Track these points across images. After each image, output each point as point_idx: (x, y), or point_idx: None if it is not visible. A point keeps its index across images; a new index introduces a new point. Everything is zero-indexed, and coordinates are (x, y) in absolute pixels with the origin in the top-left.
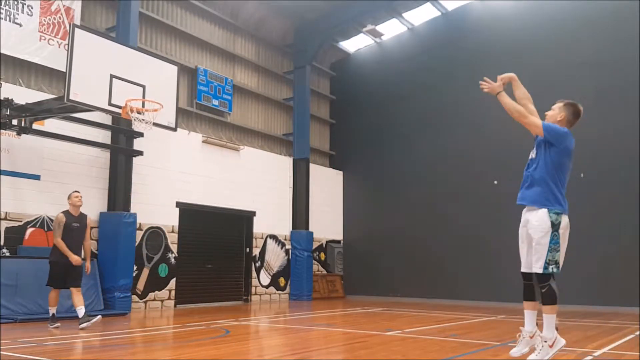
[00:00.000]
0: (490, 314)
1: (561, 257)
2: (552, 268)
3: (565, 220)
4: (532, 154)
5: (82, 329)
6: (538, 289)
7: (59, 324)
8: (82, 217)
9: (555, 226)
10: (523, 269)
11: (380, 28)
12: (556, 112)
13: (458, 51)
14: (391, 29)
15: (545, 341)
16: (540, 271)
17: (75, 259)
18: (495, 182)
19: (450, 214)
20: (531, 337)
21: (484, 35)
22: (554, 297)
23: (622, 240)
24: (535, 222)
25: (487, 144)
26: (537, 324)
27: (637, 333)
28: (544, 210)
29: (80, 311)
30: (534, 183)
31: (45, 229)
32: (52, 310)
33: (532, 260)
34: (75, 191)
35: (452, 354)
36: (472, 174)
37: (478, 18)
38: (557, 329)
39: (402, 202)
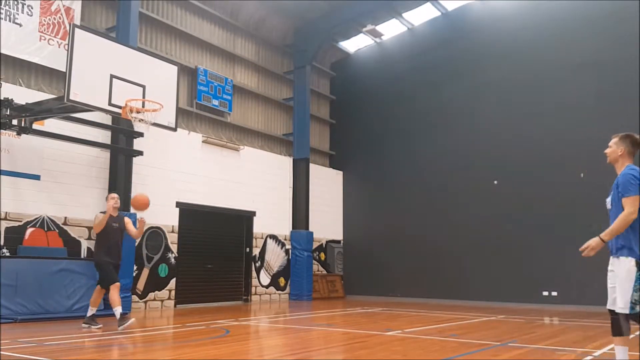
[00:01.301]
0: (490, 314)
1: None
2: (638, 308)
3: None
4: (610, 204)
5: (121, 330)
6: (625, 323)
7: (101, 325)
8: (121, 218)
9: None
10: (608, 306)
11: (380, 28)
12: (614, 148)
13: (458, 51)
14: (391, 29)
15: None
16: (627, 311)
17: (106, 211)
18: (495, 182)
19: (450, 213)
20: None
21: (484, 35)
22: (621, 329)
23: None
24: (620, 266)
25: (487, 143)
26: None
27: (637, 333)
28: (630, 259)
29: (118, 311)
30: (623, 237)
31: (45, 229)
32: (94, 310)
33: (617, 299)
34: (113, 193)
35: (452, 354)
36: (472, 174)
37: (478, 18)
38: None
39: (402, 202)
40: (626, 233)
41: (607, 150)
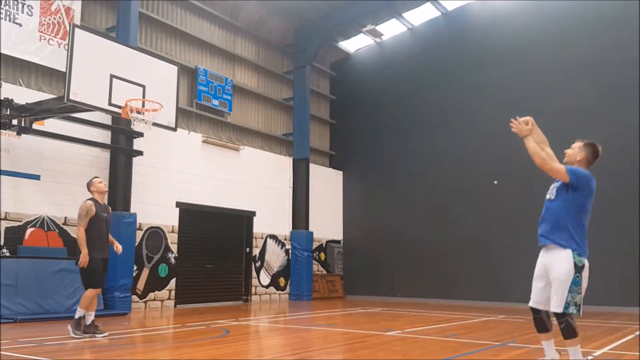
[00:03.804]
0: (490, 314)
1: (581, 299)
2: (572, 309)
3: (586, 263)
4: (551, 195)
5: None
6: (548, 320)
7: (107, 333)
8: (108, 207)
9: (578, 268)
10: (532, 304)
11: (380, 28)
12: (576, 151)
13: (458, 51)
14: (391, 29)
15: None
16: (560, 311)
17: (84, 259)
18: (495, 182)
19: (450, 214)
20: None
21: (484, 35)
22: (573, 331)
23: (621, 240)
24: (557, 263)
25: (487, 143)
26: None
27: (637, 333)
28: (568, 252)
29: (90, 317)
30: (557, 226)
31: (45, 229)
32: (92, 316)
33: (552, 300)
34: (96, 177)
35: (452, 354)
36: (472, 174)
37: (478, 18)
38: None
39: (402, 202)
40: (561, 230)
41: (568, 151)
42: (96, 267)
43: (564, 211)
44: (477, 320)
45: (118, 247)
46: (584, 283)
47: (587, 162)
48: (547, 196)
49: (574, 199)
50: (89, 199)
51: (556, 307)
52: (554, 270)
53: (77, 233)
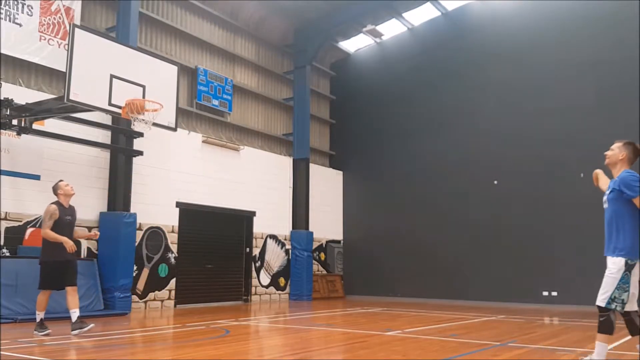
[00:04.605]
0: (490, 314)
1: (630, 298)
2: (615, 305)
3: (638, 263)
4: (606, 204)
5: (74, 335)
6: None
7: (50, 331)
8: (73, 210)
9: (629, 266)
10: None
11: (380, 28)
12: (616, 152)
13: (458, 51)
14: (391, 29)
15: None
16: (603, 305)
17: (70, 244)
18: (495, 182)
19: (450, 214)
20: None
21: (484, 35)
22: (610, 328)
23: None
24: (611, 263)
25: (487, 144)
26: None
27: None
28: (620, 258)
29: (74, 315)
30: (616, 237)
31: None
32: (41, 315)
33: (599, 292)
34: (61, 180)
35: (452, 354)
36: (472, 174)
37: (478, 18)
38: None
39: (402, 202)
40: (617, 234)
41: (608, 153)
42: (50, 271)
43: (621, 220)
44: (477, 320)
45: (96, 234)
46: (634, 284)
47: (629, 161)
48: (604, 204)
49: (631, 206)
50: (53, 203)
51: (600, 300)
52: (607, 270)
53: (46, 234)
